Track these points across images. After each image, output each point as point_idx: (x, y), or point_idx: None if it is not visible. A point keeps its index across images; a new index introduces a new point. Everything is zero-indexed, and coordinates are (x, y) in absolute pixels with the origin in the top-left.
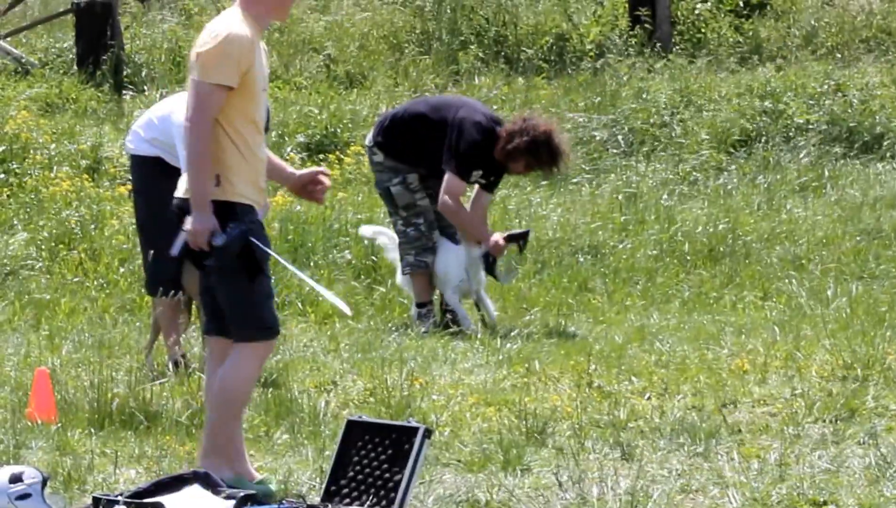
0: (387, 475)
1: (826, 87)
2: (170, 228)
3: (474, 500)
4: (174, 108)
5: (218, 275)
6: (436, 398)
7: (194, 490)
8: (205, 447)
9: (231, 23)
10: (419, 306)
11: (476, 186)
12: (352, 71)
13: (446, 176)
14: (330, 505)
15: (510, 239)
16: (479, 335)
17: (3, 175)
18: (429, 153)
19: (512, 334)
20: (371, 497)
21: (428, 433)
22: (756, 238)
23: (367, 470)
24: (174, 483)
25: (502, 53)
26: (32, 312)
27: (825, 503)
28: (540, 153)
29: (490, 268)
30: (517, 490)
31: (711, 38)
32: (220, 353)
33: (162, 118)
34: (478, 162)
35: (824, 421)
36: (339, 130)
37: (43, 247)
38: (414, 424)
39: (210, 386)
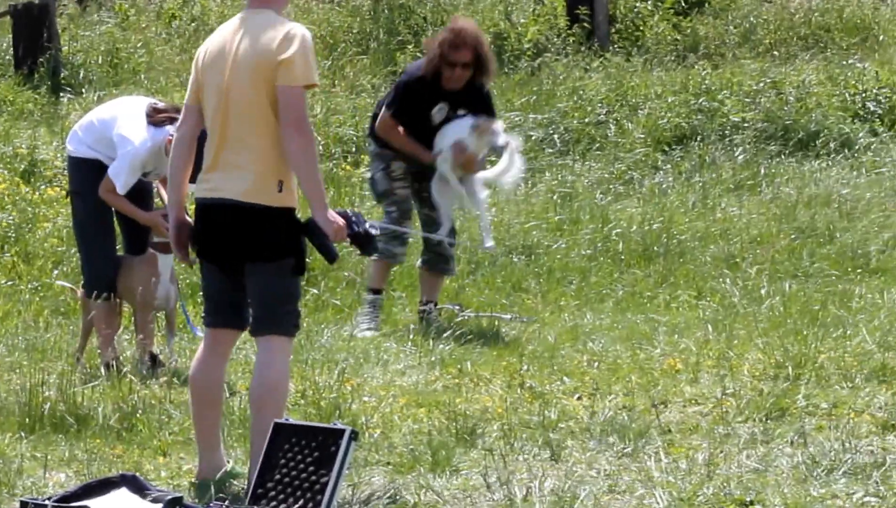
0: (313, 477)
1: (762, 84)
2: (107, 229)
3: (402, 502)
4: (118, 113)
5: (270, 271)
6: (367, 400)
7: (122, 494)
8: (258, 449)
9: (288, 22)
10: (373, 291)
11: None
12: None
13: (381, 112)
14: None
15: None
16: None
17: None
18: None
19: (444, 335)
20: (298, 500)
21: (354, 435)
22: (690, 237)
23: (294, 473)
24: (102, 487)
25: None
26: None
27: (752, 502)
28: (447, 43)
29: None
30: (445, 492)
31: (650, 37)
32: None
33: (103, 122)
34: (416, 101)
35: (754, 421)
36: None
37: None
38: (340, 426)
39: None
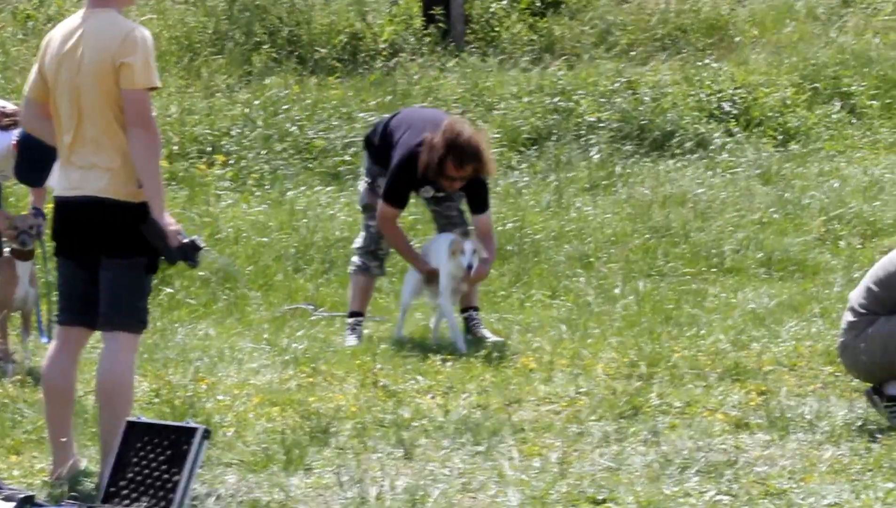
0: (165, 475)
1: (618, 85)
2: None
3: (254, 500)
4: None
5: (124, 266)
6: (221, 399)
7: None
8: (108, 446)
9: (128, 23)
10: (351, 314)
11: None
12: None
13: (378, 203)
14: (109, 506)
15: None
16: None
17: None
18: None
19: (298, 334)
20: (150, 498)
21: (207, 433)
22: (545, 237)
23: (147, 471)
24: None
25: (295, 53)
26: None
27: (604, 500)
28: (450, 160)
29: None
30: (298, 490)
31: (505, 37)
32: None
33: None
34: (410, 186)
35: (608, 419)
36: None
37: None
38: (192, 425)
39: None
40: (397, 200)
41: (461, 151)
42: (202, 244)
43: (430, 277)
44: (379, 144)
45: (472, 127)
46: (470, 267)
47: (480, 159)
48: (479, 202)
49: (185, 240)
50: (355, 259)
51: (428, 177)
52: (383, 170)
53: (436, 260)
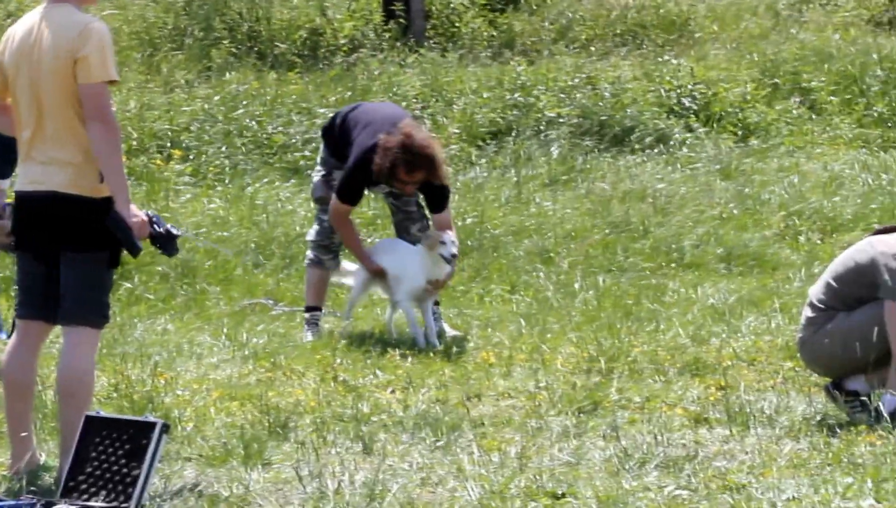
0: (125, 470)
1: (578, 80)
2: None
3: (213, 494)
4: None
5: (86, 261)
6: (180, 393)
7: None
8: (67, 441)
9: (85, 17)
10: (309, 309)
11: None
12: None
13: (332, 198)
14: (67, 501)
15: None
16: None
17: None
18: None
19: (258, 328)
20: (109, 493)
21: (166, 428)
22: (504, 232)
23: (106, 466)
24: None
25: (255, 49)
26: None
27: (563, 495)
28: (402, 164)
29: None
30: (256, 485)
31: (465, 32)
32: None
33: None
34: (364, 185)
35: (567, 414)
36: None
37: None
38: (151, 419)
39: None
40: (350, 197)
41: (412, 158)
42: (178, 232)
43: (377, 275)
44: (336, 137)
45: (427, 133)
46: (454, 256)
47: (432, 166)
48: (437, 202)
49: (161, 229)
50: (309, 253)
51: (380, 180)
52: (339, 163)
53: (399, 264)
